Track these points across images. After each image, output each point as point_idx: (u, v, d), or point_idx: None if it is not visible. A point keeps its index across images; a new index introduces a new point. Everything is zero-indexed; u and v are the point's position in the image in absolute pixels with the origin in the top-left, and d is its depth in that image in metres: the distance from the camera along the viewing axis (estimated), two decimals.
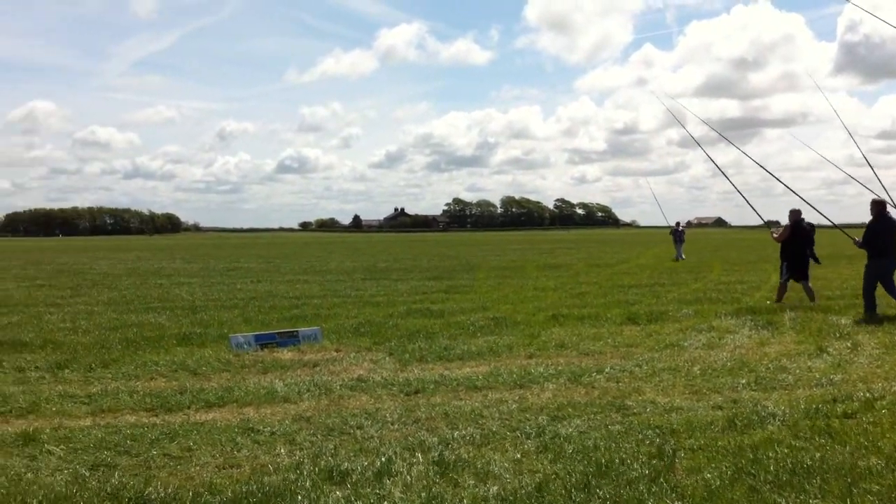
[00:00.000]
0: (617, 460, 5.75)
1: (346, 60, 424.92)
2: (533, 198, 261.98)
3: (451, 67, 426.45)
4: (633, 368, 9.34)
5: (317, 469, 5.71)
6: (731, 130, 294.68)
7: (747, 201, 17.01)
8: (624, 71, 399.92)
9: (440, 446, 6.24)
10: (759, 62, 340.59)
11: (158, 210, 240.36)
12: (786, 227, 15.87)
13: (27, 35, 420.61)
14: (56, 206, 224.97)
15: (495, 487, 5.27)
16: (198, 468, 5.88)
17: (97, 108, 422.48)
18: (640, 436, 6.45)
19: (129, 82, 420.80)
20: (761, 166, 17.02)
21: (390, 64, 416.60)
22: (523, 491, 5.17)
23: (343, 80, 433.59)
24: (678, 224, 34.93)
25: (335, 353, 10.63)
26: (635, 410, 7.34)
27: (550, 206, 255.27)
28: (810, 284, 15.70)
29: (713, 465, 5.65)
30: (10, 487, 5.42)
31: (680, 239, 34.78)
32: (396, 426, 6.96)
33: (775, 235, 15.96)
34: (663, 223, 35.35)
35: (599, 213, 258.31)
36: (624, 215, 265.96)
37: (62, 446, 6.42)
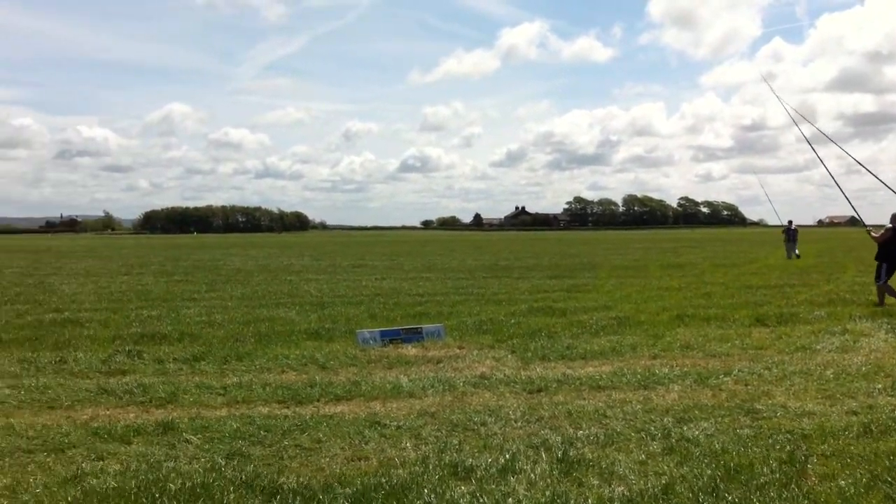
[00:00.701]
0: (746, 464, 5.64)
1: (468, 60, 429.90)
2: (656, 196, 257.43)
3: (573, 65, 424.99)
4: (762, 371, 9.09)
5: (442, 464, 5.81)
6: (866, 126, 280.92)
7: (848, 200, 16.37)
8: (752, 66, 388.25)
9: (564, 445, 6.25)
10: (894, 55, 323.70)
11: (287, 209, 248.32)
12: (888, 228, 15.63)
13: (165, 41, 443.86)
14: (191, 204, 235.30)
15: (620, 488, 5.26)
16: (328, 459, 6.07)
17: (230, 110, 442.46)
18: (771, 440, 6.29)
19: (260, 85, 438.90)
20: (865, 168, 16.30)
21: (512, 63, 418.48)
22: (649, 493, 5.13)
23: (465, 80, 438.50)
24: (790, 223, 34.93)
25: (458, 351, 10.75)
26: (765, 414, 7.15)
27: (674, 204, 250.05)
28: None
29: (847, 471, 5.47)
30: (150, 474, 5.71)
31: (793, 238, 34.76)
32: (520, 424, 7.00)
33: (874, 235, 15.79)
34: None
35: (725, 212, 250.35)
36: (751, 214, 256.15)
37: (199, 435, 6.72)
